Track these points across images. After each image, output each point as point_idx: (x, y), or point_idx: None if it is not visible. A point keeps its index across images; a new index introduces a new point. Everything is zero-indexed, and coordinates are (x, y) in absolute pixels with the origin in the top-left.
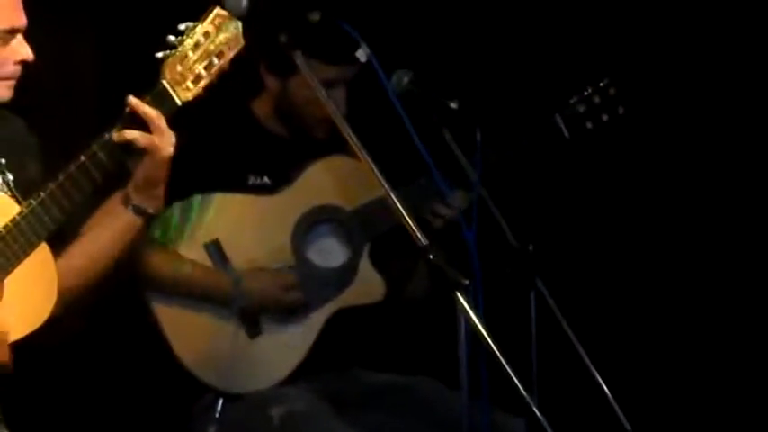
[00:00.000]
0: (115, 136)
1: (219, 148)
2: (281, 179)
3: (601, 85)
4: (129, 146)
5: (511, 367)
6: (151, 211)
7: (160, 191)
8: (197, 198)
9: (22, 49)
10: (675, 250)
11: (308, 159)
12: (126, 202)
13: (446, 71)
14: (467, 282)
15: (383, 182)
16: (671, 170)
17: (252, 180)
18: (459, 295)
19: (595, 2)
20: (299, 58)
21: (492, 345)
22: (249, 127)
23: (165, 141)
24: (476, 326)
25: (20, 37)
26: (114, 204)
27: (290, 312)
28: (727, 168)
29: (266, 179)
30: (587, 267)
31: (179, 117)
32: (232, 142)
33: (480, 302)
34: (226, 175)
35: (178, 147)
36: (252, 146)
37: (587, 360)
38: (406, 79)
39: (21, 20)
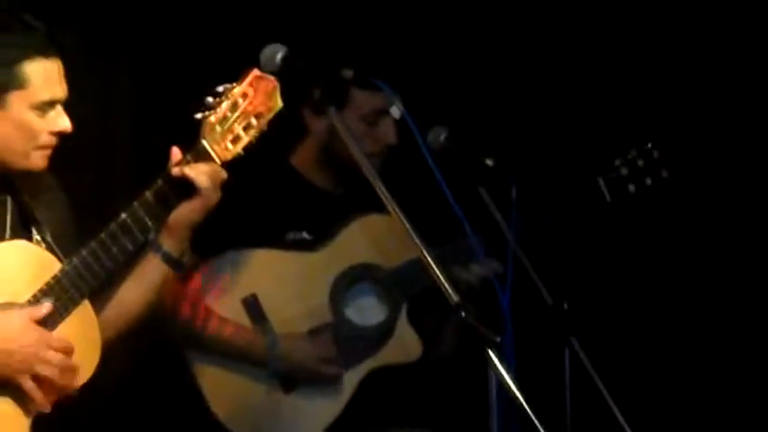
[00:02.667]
0: (176, 170)
1: (258, 204)
2: (320, 233)
3: (645, 147)
4: (169, 202)
5: (543, 426)
6: (177, 256)
7: (188, 237)
8: (234, 252)
9: (60, 120)
10: (711, 313)
11: (348, 214)
12: (156, 248)
13: (484, 128)
14: (498, 339)
15: (414, 237)
16: (710, 236)
17: (291, 235)
18: (490, 353)
19: (640, 65)
20: (333, 114)
21: (523, 403)
22: (289, 181)
23: (216, 190)
24: (507, 384)
25: (59, 108)
26: (142, 253)
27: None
28: None
29: (305, 234)
30: (622, 327)
31: None
32: (271, 197)
33: (512, 360)
34: (264, 231)
35: None
36: (291, 200)
37: (622, 420)
38: (442, 136)
39: (61, 92)
